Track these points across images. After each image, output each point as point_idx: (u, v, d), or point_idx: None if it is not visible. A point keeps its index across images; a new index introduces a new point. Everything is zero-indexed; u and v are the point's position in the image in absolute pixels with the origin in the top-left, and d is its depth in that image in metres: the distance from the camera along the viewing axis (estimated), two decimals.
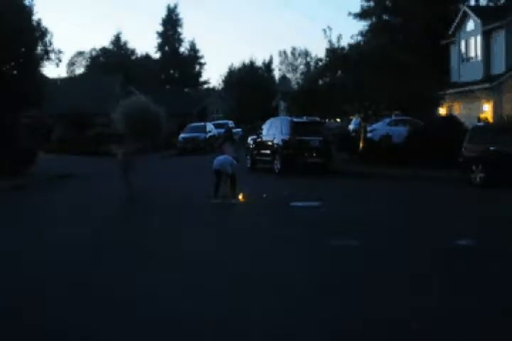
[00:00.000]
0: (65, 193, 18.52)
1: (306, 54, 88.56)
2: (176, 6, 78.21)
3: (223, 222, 12.35)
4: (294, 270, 8.17)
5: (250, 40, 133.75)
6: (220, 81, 79.72)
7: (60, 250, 9.66)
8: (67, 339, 5.69)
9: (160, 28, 78.17)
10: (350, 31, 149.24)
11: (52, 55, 25.33)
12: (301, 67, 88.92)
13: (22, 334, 5.83)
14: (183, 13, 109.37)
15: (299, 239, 10.32)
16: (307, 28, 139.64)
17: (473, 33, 30.73)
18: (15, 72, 24.07)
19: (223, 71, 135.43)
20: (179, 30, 78.84)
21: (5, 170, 20.17)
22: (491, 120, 26.41)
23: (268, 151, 23.60)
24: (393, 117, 31.64)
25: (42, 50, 24.96)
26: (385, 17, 40.04)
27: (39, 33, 24.76)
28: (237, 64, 77.54)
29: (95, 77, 57.52)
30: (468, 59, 31.59)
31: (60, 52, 25.82)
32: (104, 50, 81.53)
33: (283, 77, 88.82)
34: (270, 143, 23.50)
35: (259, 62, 73.15)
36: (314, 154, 22.57)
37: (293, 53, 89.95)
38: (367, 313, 6.24)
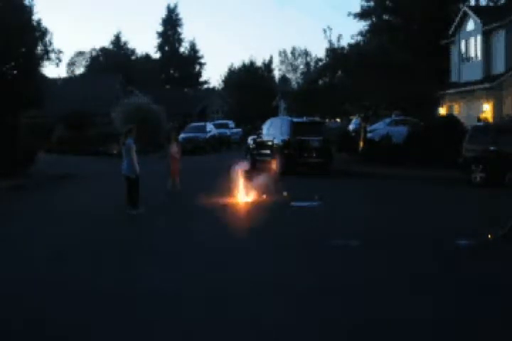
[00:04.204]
0: (65, 193, 18.51)
1: (306, 54, 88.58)
2: (176, 6, 78.18)
3: (222, 222, 12.33)
4: (294, 270, 8.17)
5: (250, 40, 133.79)
6: (220, 81, 79.73)
7: (59, 250, 9.68)
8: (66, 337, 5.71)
9: (160, 28, 78.16)
10: (350, 31, 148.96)
11: (52, 55, 25.40)
12: (301, 67, 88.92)
13: (22, 331, 5.85)
14: (183, 13, 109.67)
15: (298, 238, 10.32)
16: (307, 28, 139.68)
17: (473, 33, 30.72)
18: (15, 72, 24.08)
19: (223, 71, 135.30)
20: (179, 30, 78.80)
21: (5, 170, 20.15)
22: (491, 120, 26.41)
23: (268, 151, 23.59)
24: (393, 117, 31.65)
25: (42, 50, 25.00)
26: (385, 17, 40.01)
27: (39, 33, 24.78)
28: (237, 64, 77.58)
29: (95, 77, 57.46)
30: (468, 59, 31.58)
31: (60, 52, 25.92)
32: (104, 50, 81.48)
33: (283, 77, 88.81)
34: (270, 143, 23.49)
35: (259, 62, 73.09)
36: (314, 154, 22.55)
37: (293, 53, 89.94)
38: (367, 313, 6.25)
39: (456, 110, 31.61)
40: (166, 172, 17.00)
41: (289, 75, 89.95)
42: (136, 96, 44.54)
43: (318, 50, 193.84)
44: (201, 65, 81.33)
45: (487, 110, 28.60)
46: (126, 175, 13.39)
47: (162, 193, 16.11)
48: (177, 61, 77.23)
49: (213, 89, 77.45)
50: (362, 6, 40.31)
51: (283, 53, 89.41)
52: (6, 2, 23.44)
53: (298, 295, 6.94)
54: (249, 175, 16.10)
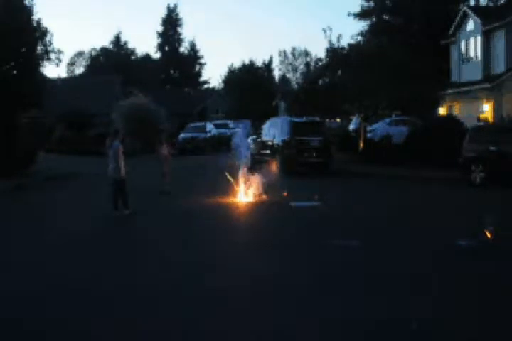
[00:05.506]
0: (65, 193, 18.51)
1: (306, 54, 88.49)
2: (176, 6, 78.10)
3: (221, 221, 12.33)
4: (294, 270, 8.17)
5: (250, 40, 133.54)
6: (220, 81, 79.65)
7: (59, 249, 9.68)
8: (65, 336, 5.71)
9: (160, 28, 78.09)
10: (350, 31, 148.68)
11: (52, 55, 25.39)
12: (301, 67, 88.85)
13: (22, 332, 5.85)
14: (183, 13, 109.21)
15: (298, 238, 10.32)
16: (307, 28, 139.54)
17: (473, 33, 30.73)
18: (15, 72, 24.08)
19: (223, 71, 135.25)
20: (179, 30, 78.75)
21: (5, 169, 20.15)
22: (491, 120, 26.42)
23: (268, 151, 23.60)
24: (393, 117, 31.65)
25: (42, 50, 25.00)
26: (385, 17, 40.01)
27: (39, 33, 24.78)
28: (237, 64, 77.52)
29: (95, 77, 57.44)
30: (468, 59, 31.58)
31: (60, 52, 25.90)
32: (104, 50, 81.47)
33: (283, 77, 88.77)
34: (270, 143, 23.50)
35: (259, 62, 73.03)
36: (314, 154, 22.57)
37: (293, 53, 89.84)
38: (367, 313, 6.25)
39: (456, 110, 31.61)
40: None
41: (289, 75, 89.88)
42: (136, 96, 44.52)
43: (318, 50, 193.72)
44: (201, 64, 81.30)
45: (487, 110, 28.60)
46: (113, 177, 13.51)
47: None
48: (177, 61, 77.17)
49: (213, 89, 77.41)
50: (362, 6, 40.32)
51: (283, 53, 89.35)
52: (5, 2, 23.44)
53: (298, 295, 6.94)
54: (249, 175, 16.09)
